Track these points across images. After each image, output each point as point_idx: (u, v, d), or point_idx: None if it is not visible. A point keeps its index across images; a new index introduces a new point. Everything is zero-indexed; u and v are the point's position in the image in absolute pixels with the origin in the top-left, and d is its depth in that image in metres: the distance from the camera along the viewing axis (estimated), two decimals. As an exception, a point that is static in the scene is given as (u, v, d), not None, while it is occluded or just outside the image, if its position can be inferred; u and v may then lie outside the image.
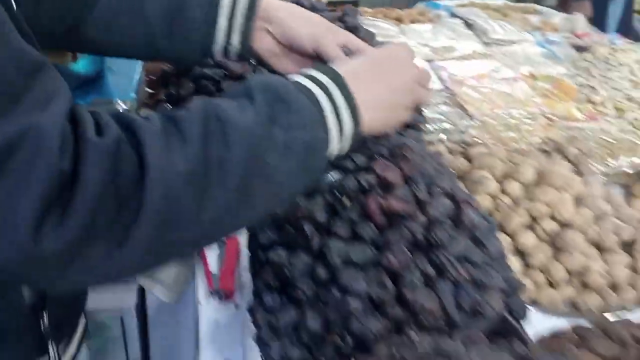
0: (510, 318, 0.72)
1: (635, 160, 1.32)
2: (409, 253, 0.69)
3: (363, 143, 0.75)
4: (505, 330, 0.71)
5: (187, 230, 0.49)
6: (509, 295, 0.74)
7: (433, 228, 0.71)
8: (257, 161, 0.51)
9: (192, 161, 0.48)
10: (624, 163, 1.32)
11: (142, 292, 1.10)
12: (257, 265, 0.75)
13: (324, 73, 0.61)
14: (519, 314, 0.74)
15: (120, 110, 1.15)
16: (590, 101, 1.54)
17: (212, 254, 0.96)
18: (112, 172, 0.45)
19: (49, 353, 0.69)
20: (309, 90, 0.58)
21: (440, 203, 0.73)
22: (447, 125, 1.34)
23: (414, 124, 0.94)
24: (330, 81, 0.60)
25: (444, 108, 1.40)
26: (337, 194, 0.71)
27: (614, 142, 1.36)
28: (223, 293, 0.89)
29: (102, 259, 0.46)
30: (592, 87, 1.59)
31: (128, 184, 0.46)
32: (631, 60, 1.61)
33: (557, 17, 2.06)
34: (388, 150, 0.76)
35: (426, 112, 1.38)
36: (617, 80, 1.57)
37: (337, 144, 0.59)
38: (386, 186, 0.71)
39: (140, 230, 0.46)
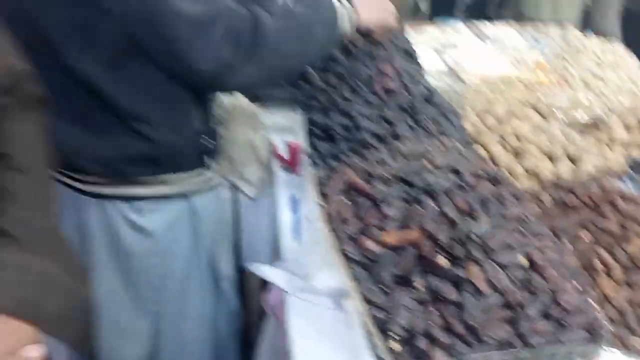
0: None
1: (589, 113, 1.79)
2: (399, 111, 1.20)
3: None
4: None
5: (285, 59, 1.07)
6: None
7: (413, 100, 1.22)
8: (310, 28, 1.08)
9: (284, 24, 1.05)
10: (580, 115, 1.79)
11: (234, 189, 1.63)
12: (307, 108, 1.29)
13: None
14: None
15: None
16: (565, 80, 2.02)
17: (282, 150, 1.50)
18: (252, 28, 1.01)
19: (208, 166, 1.23)
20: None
21: (418, 88, 1.24)
22: (448, 89, 1.85)
23: (413, 63, 1.47)
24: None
25: (446, 79, 1.91)
26: (357, 81, 1.24)
27: (575, 101, 1.84)
28: (290, 167, 1.42)
29: (244, 73, 1.02)
30: (567, 69, 2.08)
31: (254, 35, 1.02)
32: (594, 47, 2.09)
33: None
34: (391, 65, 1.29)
35: (433, 81, 1.91)
36: (585, 62, 2.06)
37: (346, 22, 1.14)
38: (385, 75, 1.23)
39: (262, 57, 1.02)
